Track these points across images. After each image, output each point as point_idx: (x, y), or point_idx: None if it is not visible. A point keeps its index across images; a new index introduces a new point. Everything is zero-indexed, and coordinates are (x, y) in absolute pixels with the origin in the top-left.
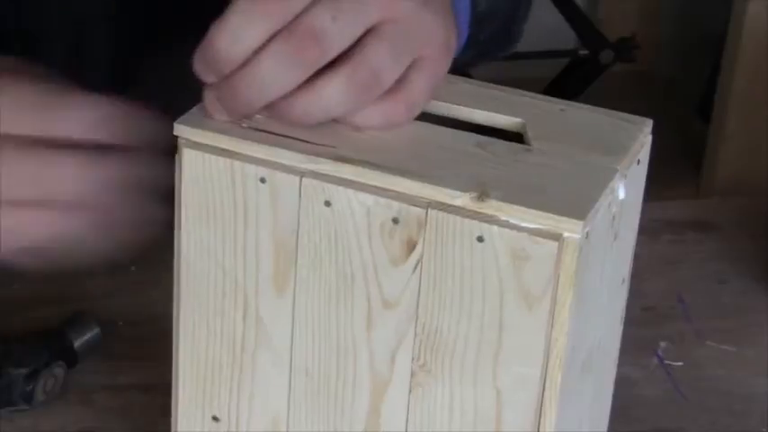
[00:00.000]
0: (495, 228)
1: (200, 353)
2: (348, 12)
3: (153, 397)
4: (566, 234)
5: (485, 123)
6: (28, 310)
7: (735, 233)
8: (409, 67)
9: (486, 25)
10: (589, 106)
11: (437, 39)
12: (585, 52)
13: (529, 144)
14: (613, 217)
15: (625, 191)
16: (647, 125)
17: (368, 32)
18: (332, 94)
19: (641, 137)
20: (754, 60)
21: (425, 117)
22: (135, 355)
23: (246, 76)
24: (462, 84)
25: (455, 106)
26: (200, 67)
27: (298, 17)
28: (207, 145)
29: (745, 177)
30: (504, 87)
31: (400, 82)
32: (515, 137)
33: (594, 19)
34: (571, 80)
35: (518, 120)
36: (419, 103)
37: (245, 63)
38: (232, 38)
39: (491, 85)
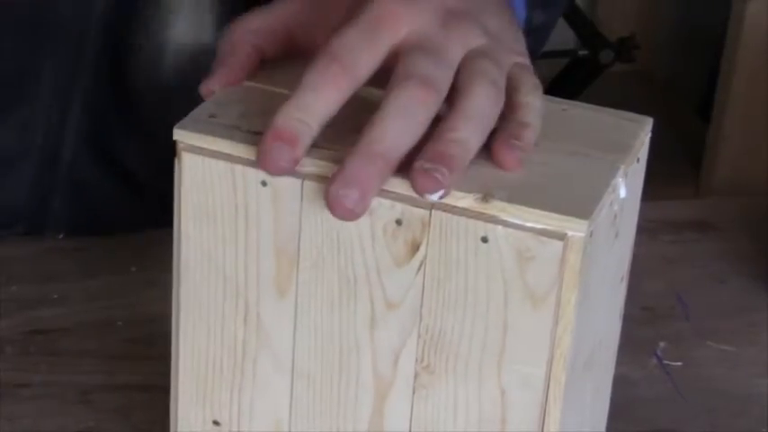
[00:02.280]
0: (500, 228)
1: (200, 357)
2: (438, 52)
3: (153, 397)
4: (570, 233)
5: None
6: (28, 310)
7: (735, 233)
8: None
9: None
10: (591, 105)
11: (520, 49)
12: (585, 52)
13: None
14: (615, 215)
15: (626, 189)
16: (648, 123)
17: (461, 72)
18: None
19: (642, 135)
20: (753, 60)
21: None
22: (134, 355)
23: (377, 133)
24: None
25: None
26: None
27: (402, 69)
28: (207, 149)
29: (744, 177)
30: None
31: None
32: None
33: (594, 19)
34: (571, 80)
35: None
36: None
37: (371, 124)
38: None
39: None
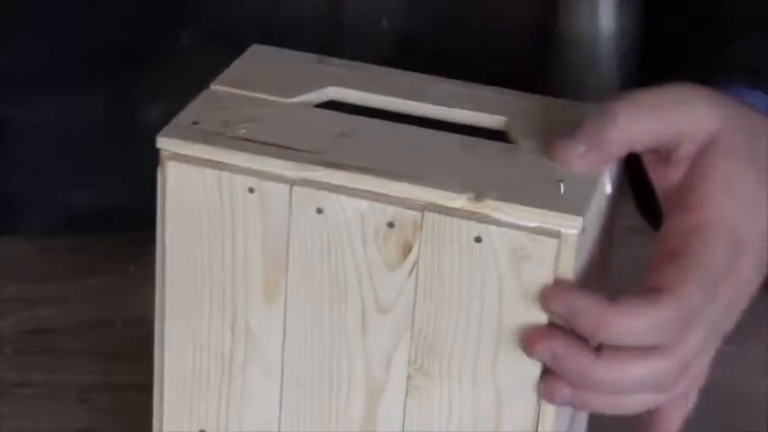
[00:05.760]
0: (494, 228)
1: (185, 367)
2: (711, 344)
3: (151, 397)
4: (564, 231)
5: (468, 123)
6: (28, 310)
7: None
8: None
9: None
10: (568, 101)
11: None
12: None
13: (515, 142)
14: (601, 211)
15: (610, 185)
16: None
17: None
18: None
19: None
20: None
21: (404, 119)
22: (133, 355)
23: (608, 365)
24: (441, 84)
25: (437, 107)
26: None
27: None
28: (192, 156)
29: None
30: (482, 86)
31: None
32: (498, 135)
33: None
34: None
35: (501, 118)
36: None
37: (615, 351)
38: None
39: (470, 84)
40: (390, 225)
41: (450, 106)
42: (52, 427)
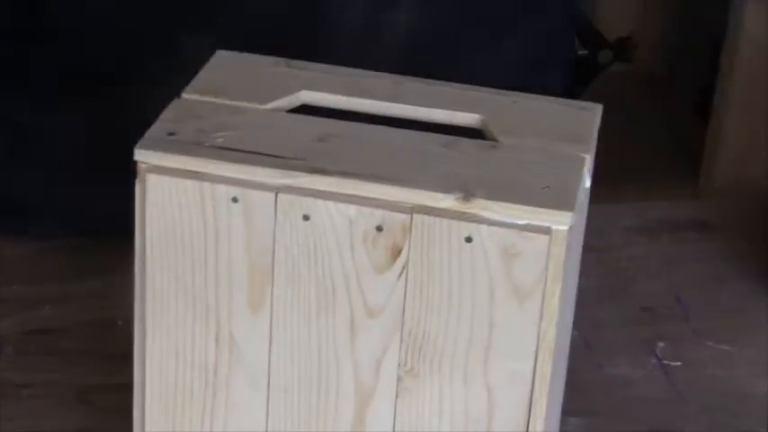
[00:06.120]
0: (484, 227)
1: (168, 382)
2: None
3: None
4: (554, 227)
5: (444, 122)
6: (28, 311)
7: (734, 233)
8: None
9: None
10: (538, 96)
11: None
12: (584, 52)
13: (493, 139)
14: (582, 205)
15: (589, 179)
16: (599, 111)
17: None
18: None
19: (596, 123)
20: (752, 60)
21: (375, 119)
22: (133, 355)
23: None
24: (412, 83)
25: (411, 107)
26: None
27: None
28: (173, 168)
29: (744, 177)
30: (454, 84)
31: None
32: (473, 132)
33: (594, 19)
34: (570, 80)
35: (476, 116)
36: None
37: None
38: None
39: (442, 82)
40: (379, 229)
41: (424, 105)
42: (53, 427)
